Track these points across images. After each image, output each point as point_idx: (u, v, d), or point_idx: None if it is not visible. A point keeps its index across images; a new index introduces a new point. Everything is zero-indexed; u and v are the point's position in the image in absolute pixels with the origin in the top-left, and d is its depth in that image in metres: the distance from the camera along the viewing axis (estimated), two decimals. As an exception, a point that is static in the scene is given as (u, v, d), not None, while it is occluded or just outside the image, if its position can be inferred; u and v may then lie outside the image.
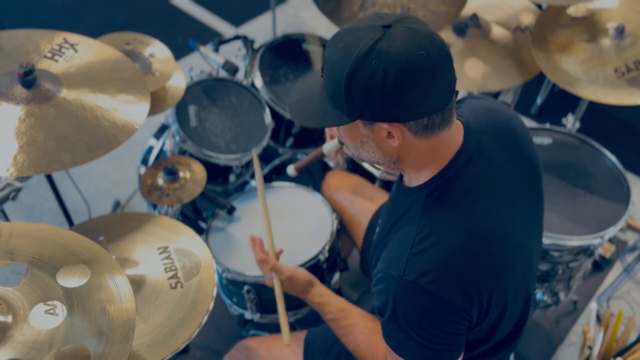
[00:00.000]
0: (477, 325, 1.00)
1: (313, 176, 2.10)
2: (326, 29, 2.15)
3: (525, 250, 1.05)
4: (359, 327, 1.21)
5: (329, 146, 1.48)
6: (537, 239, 1.12)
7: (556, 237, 1.59)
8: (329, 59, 0.90)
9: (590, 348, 1.86)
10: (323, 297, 1.28)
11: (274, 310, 1.62)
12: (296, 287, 1.32)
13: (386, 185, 1.79)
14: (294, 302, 1.63)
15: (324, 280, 1.63)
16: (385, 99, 0.86)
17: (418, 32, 0.85)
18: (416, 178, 1.00)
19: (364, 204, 1.65)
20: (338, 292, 1.94)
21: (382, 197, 1.66)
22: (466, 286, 0.93)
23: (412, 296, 0.93)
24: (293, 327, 1.74)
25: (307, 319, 1.68)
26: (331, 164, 1.98)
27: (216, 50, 2.11)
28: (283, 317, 1.31)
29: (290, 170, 1.59)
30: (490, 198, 0.98)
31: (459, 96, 1.04)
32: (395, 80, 0.84)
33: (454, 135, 0.97)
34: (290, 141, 2.07)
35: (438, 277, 0.92)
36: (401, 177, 1.09)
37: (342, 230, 1.71)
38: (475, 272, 0.94)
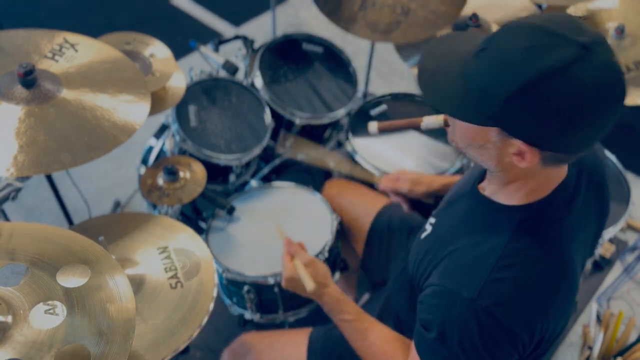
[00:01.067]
0: (525, 356, 0.98)
1: (313, 176, 2.10)
2: (326, 29, 2.15)
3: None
4: (375, 332, 1.17)
5: (430, 123, 1.29)
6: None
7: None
8: (503, 49, 0.79)
9: (591, 348, 1.86)
10: (342, 294, 1.24)
11: (274, 310, 1.62)
12: (318, 273, 1.25)
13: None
14: (294, 302, 1.63)
15: (324, 280, 1.62)
16: (552, 125, 0.78)
17: (614, 68, 0.78)
18: (508, 196, 0.95)
19: (366, 208, 1.65)
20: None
21: (383, 200, 1.66)
22: (534, 323, 0.91)
23: (479, 321, 0.89)
24: (292, 327, 1.74)
25: (307, 319, 1.68)
26: (332, 164, 1.99)
27: (216, 50, 2.11)
28: (305, 274, 1.24)
29: (373, 127, 1.50)
30: (574, 238, 0.96)
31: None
32: (577, 111, 0.76)
33: (563, 168, 0.95)
34: (290, 141, 2.07)
35: (512, 310, 0.89)
36: (478, 181, 1.04)
37: (345, 238, 1.71)
38: (546, 312, 0.92)
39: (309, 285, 1.22)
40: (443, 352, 0.94)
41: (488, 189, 1.01)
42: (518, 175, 0.92)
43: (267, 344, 1.41)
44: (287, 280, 1.28)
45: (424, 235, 1.14)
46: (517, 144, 0.83)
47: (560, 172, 0.95)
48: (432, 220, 1.16)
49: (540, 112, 0.77)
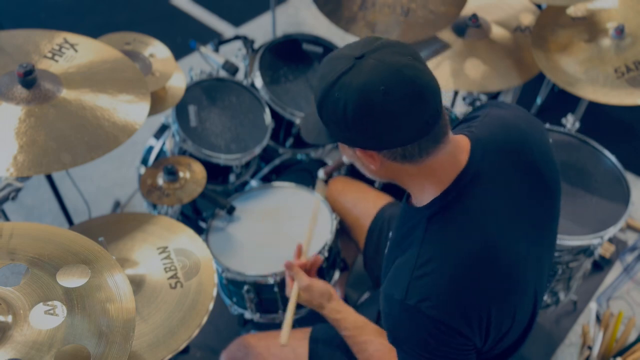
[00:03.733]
0: (483, 346, 0.99)
1: (313, 176, 2.10)
2: (326, 29, 2.15)
3: (532, 270, 1.03)
4: (374, 344, 1.21)
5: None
6: (547, 258, 1.11)
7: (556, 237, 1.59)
8: (314, 83, 0.95)
9: (590, 348, 1.86)
10: (340, 312, 1.28)
11: (274, 310, 1.62)
12: (313, 298, 1.31)
13: (386, 187, 1.79)
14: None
15: (324, 279, 1.63)
16: (350, 129, 0.89)
17: (386, 66, 0.86)
18: (420, 198, 0.99)
19: (367, 206, 1.65)
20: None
21: (384, 199, 1.66)
22: (466, 311, 0.93)
23: (414, 320, 0.93)
24: (293, 327, 1.74)
25: (307, 319, 1.68)
26: (331, 164, 1.98)
27: (216, 50, 2.11)
28: (288, 322, 1.32)
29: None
30: (493, 220, 0.96)
31: (469, 99, 1.02)
32: (354, 113, 0.87)
33: (456, 154, 0.96)
34: (290, 141, 2.07)
35: (438, 303, 0.92)
36: (408, 195, 1.07)
37: (346, 235, 1.71)
38: (476, 297, 0.94)
39: (282, 339, 1.30)
40: (404, 355, 0.99)
41: (412, 198, 1.05)
42: (404, 178, 0.98)
43: (263, 347, 1.41)
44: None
45: (386, 250, 1.18)
46: (358, 153, 0.94)
47: (451, 160, 0.95)
48: (390, 234, 1.20)
49: (336, 120, 0.90)
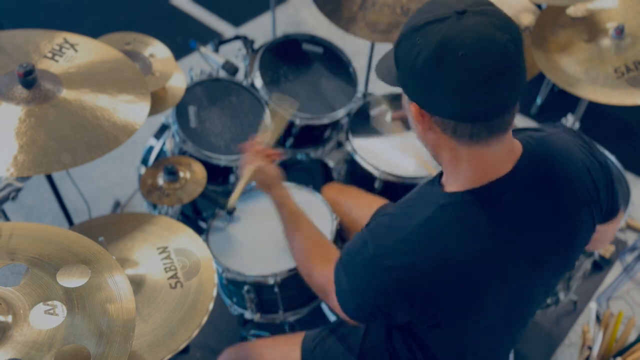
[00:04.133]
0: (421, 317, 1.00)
1: (313, 176, 2.10)
2: (326, 29, 2.15)
3: (501, 301, 1.00)
4: (304, 236, 1.23)
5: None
6: (538, 292, 1.07)
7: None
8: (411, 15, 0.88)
9: (590, 348, 1.86)
10: (285, 198, 1.31)
11: (274, 310, 1.62)
12: (265, 178, 1.34)
13: (384, 190, 1.79)
14: (294, 302, 1.63)
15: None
16: (415, 78, 0.84)
17: (479, 35, 0.79)
18: (449, 181, 0.96)
19: (363, 209, 1.65)
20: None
21: (380, 202, 1.66)
22: (410, 294, 0.94)
23: (375, 272, 0.95)
24: (292, 327, 1.74)
25: (307, 319, 1.68)
26: (331, 164, 1.98)
27: (216, 50, 2.11)
28: (239, 190, 1.41)
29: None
30: (494, 241, 0.94)
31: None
32: (423, 64, 0.81)
33: (504, 159, 0.91)
34: (290, 141, 2.07)
35: (403, 276, 0.93)
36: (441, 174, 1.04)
37: (347, 236, 1.71)
38: (425, 290, 0.94)
39: (230, 202, 1.43)
40: (341, 274, 1.03)
41: (443, 178, 1.00)
42: (444, 154, 0.93)
43: (258, 355, 1.40)
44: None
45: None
46: (412, 107, 0.89)
47: (497, 161, 0.91)
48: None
49: (405, 65, 0.85)
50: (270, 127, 1.53)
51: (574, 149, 1.00)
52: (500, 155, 0.91)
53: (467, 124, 0.86)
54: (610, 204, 1.06)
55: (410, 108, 0.91)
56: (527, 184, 0.94)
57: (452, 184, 0.95)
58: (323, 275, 1.11)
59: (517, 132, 1.01)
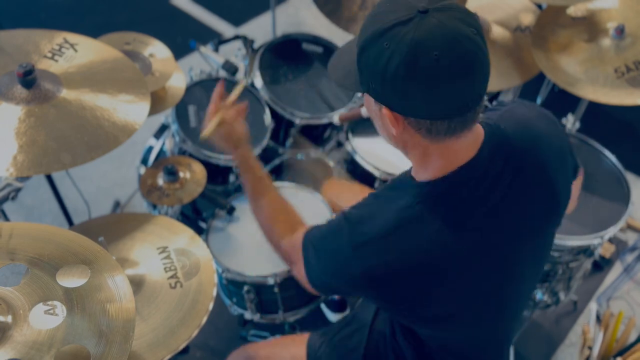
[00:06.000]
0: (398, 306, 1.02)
1: (313, 176, 2.10)
2: (326, 29, 2.15)
3: (485, 283, 1.01)
4: (271, 202, 1.23)
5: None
6: (531, 265, 1.08)
7: (556, 237, 1.58)
8: (364, 20, 0.87)
9: (590, 348, 1.86)
10: (250, 159, 1.28)
11: (274, 310, 1.62)
12: (231, 132, 1.29)
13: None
14: (294, 303, 1.63)
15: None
16: (386, 84, 0.83)
17: (447, 30, 0.78)
18: (419, 174, 0.97)
19: None
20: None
21: None
22: (386, 284, 0.96)
23: (345, 251, 0.98)
24: (293, 327, 1.74)
25: (307, 319, 1.68)
26: (331, 164, 1.99)
27: (216, 50, 2.11)
28: (210, 127, 1.29)
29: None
30: (471, 222, 0.95)
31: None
32: (397, 69, 0.80)
33: (469, 145, 0.92)
34: (290, 141, 2.07)
35: (374, 251, 0.95)
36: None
37: None
38: (401, 281, 0.96)
39: (204, 132, 1.29)
40: (310, 252, 1.05)
41: (412, 169, 1.01)
42: (415, 151, 0.93)
43: (264, 357, 1.40)
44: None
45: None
46: (384, 111, 0.88)
47: (464, 149, 0.92)
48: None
49: (374, 70, 0.83)
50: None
51: (532, 120, 1.03)
52: (469, 144, 0.92)
53: (443, 121, 0.85)
54: (573, 164, 1.10)
55: (380, 112, 0.89)
56: (495, 164, 0.95)
57: (422, 175, 0.96)
58: (289, 244, 1.13)
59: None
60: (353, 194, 1.71)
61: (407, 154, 0.97)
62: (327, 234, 1.04)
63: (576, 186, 1.17)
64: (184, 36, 3.10)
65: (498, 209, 0.96)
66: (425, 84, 0.81)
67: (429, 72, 0.79)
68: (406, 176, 1.00)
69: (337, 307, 1.92)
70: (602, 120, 2.70)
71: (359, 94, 2.06)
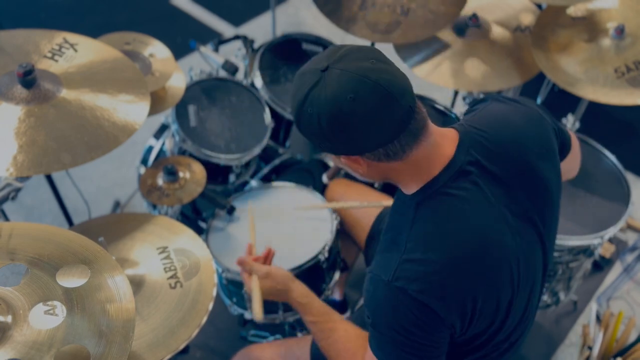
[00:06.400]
0: (462, 335, 1.01)
1: (313, 176, 2.10)
2: (326, 29, 2.15)
3: (522, 265, 1.03)
4: (339, 331, 1.20)
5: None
6: (539, 257, 1.10)
7: (556, 237, 1.59)
8: (290, 101, 0.96)
9: (590, 348, 1.86)
10: (307, 297, 1.26)
11: (274, 310, 1.62)
12: (277, 283, 1.27)
13: (386, 188, 1.79)
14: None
15: (324, 280, 1.63)
16: (329, 139, 0.92)
17: (350, 74, 0.87)
18: (409, 189, 1.01)
19: (369, 208, 1.65)
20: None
21: (386, 200, 1.66)
22: (451, 296, 0.95)
23: (398, 301, 0.95)
24: (293, 327, 1.74)
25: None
26: (331, 164, 1.98)
27: (216, 50, 2.11)
28: (257, 302, 1.26)
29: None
30: (478, 211, 0.98)
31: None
32: (328, 125, 0.89)
33: (442, 146, 0.98)
34: (290, 141, 2.07)
35: (424, 287, 0.94)
36: None
37: (346, 235, 1.71)
38: (463, 284, 0.96)
39: (256, 315, 1.26)
40: (379, 336, 1.01)
41: (402, 189, 1.06)
42: (392, 174, 1.00)
43: (268, 357, 1.40)
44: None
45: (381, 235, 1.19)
46: (343, 160, 0.97)
47: (438, 153, 0.97)
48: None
49: (314, 133, 0.93)
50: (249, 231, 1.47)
51: (507, 113, 1.07)
52: (438, 144, 0.97)
53: (392, 143, 0.92)
54: (561, 140, 1.13)
55: (342, 162, 0.99)
56: (478, 156, 1.00)
57: (411, 189, 1.01)
58: None
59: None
60: (358, 194, 1.71)
61: (390, 180, 1.02)
62: (374, 306, 1.00)
63: (574, 153, 1.20)
64: (184, 36, 3.10)
65: (494, 199, 1.00)
66: (357, 125, 0.88)
67: (354, 114, 0.87)
68: (400, 195, 1.06)
69: (338, 308, 1.92)
70: (602, 120, 2.70)
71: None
